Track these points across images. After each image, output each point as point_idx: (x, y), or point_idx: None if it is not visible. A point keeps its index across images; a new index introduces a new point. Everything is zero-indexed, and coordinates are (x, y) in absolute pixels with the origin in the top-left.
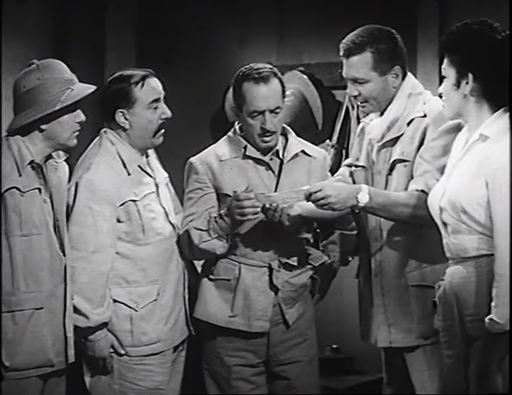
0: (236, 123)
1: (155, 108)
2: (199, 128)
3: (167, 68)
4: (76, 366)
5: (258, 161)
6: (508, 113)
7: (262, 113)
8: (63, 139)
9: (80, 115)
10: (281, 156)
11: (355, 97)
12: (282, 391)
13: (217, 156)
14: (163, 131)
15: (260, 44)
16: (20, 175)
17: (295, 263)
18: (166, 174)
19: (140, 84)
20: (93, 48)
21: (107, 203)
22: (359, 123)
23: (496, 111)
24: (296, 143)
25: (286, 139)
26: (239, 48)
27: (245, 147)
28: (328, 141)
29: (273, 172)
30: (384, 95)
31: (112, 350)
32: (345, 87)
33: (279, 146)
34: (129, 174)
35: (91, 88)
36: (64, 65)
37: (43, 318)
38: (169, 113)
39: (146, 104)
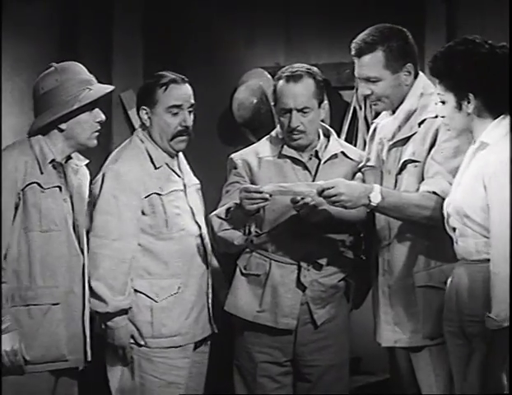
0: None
1: (176, 113)
2: (206, 129)
3: (174, 69)
4: (88, 370)
5: (295, 161)
6: (507, 119)
7: (290, 111)
8: (83, 139)
9: (99, 114)
10: (320, 157)
11: (367, 96)
12: (304, 393)
13: (257, 153)
14: (184, 137)
15: (267, 45)
16: (42, 173)
17: (325, 263)
18: (198, 181)
19: (164, 87)
20: (100, 50)
21: (132, 193)
22: (366, 123)
23: (496, 118)
24: (336, 144)
25: (329, 140)
26: (246, 50)
27: (282, 146)
28: None
29: (310, 172)
30: (396, 93)
31: (132, 341)
32: (352, 88)
33: (319, 147)
34: (156, 168)
35: (109, 88)
36: (83, 66)
37: (59, 313)
38: (189, 123)
39: (165, 107)
